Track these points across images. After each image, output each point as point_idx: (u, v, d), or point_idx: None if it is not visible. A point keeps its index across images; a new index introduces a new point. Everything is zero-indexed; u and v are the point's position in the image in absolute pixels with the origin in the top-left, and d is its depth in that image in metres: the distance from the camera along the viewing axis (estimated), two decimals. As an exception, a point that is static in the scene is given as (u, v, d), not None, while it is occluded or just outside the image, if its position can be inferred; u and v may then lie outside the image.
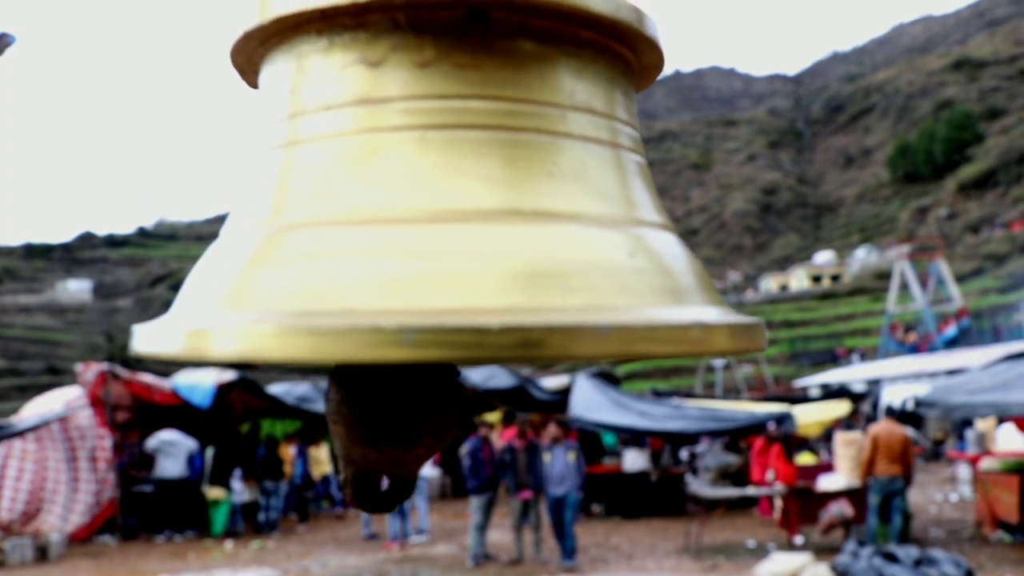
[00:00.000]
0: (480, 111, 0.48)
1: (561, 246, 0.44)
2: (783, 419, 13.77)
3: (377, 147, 0.47)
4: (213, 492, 13.34)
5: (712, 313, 0.47)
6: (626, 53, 0.54)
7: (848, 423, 16.16)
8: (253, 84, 0.59)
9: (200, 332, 0.46)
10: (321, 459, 16.01)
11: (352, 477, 0.60)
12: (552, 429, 10.25)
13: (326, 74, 0.50)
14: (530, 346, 0.40)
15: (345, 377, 0.58)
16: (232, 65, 0.58)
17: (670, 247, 0.49)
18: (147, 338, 0.52)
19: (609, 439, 16.90)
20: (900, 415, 11.94)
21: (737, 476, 13.37)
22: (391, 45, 0.48)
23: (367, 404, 0.58)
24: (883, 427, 9.65)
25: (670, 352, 0.43)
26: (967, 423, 15.30)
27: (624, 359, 0.43)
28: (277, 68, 0.53)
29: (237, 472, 13.75)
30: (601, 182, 0.49)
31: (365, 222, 0.45)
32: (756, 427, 13.08)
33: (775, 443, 12.28)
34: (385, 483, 0.61)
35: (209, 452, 13.68)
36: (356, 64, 0.49)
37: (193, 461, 13.56)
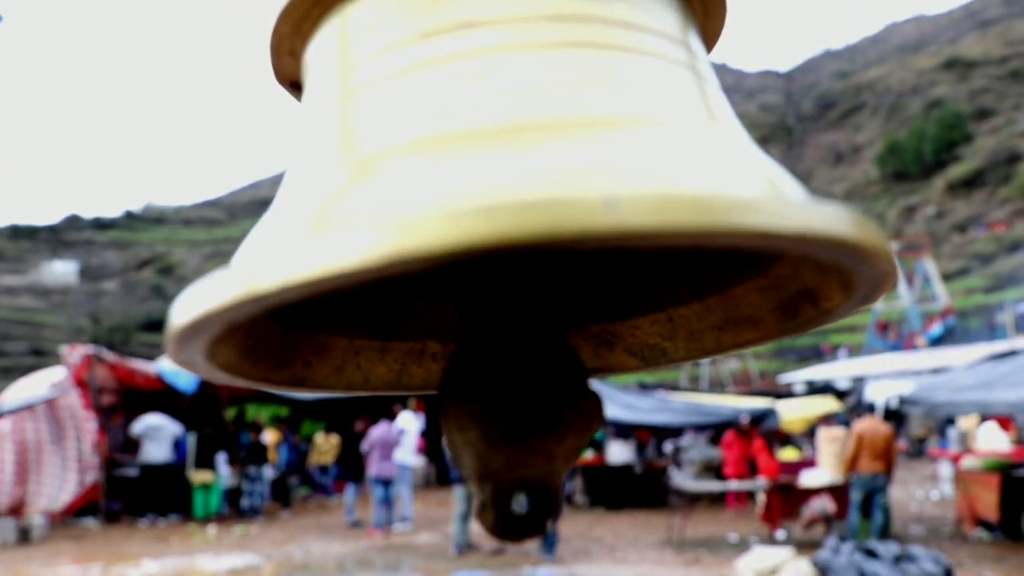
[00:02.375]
0: (596, 32, 0.47)
1: (712, 150, 0.43)
2: (766, 414, 13.85)
3: (495, 65, 0.45)
4: (200, 476, 13.33)
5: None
6: (698, 6, 0.54)
7: (845, 419, 16.23)
8: (287, 67, 0.55)
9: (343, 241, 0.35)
10: (325, 449, 16.06)
11: (493, 496, 0.50)
12: None
13: (420, 4, 0.48)
14: (746, 210, 0.35)
15: (473, 375, 0.52)
16: (273, 37, 0.53)
17: (777, 165, 0.48)
18: (207, 294, 0.39)
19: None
20: (884, 414, 12.01)
21: (720, 470, 13.45)
22: None
23: (507, 390, 0.50)
24: (867, 424, 9.71)
25: (865, 243, 0.40)
26: (950, 421, 15.40)
27: (820, 248, 0.38)
28: (339, 21, 0.50)
29: (222, 456, 13.74)
30: (709, 103, 0.49)
31: (501, 131, 0.41)
32: (735, 423, 13.17)
33: (755, 437, 12.36)
34: (524, 503, 0.51)
35: (191, 438, 13.65)
36: None
37: (179, 445, 13.53)
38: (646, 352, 0.64)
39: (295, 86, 0.55)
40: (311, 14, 0.51)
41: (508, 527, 0.50)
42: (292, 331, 0.57)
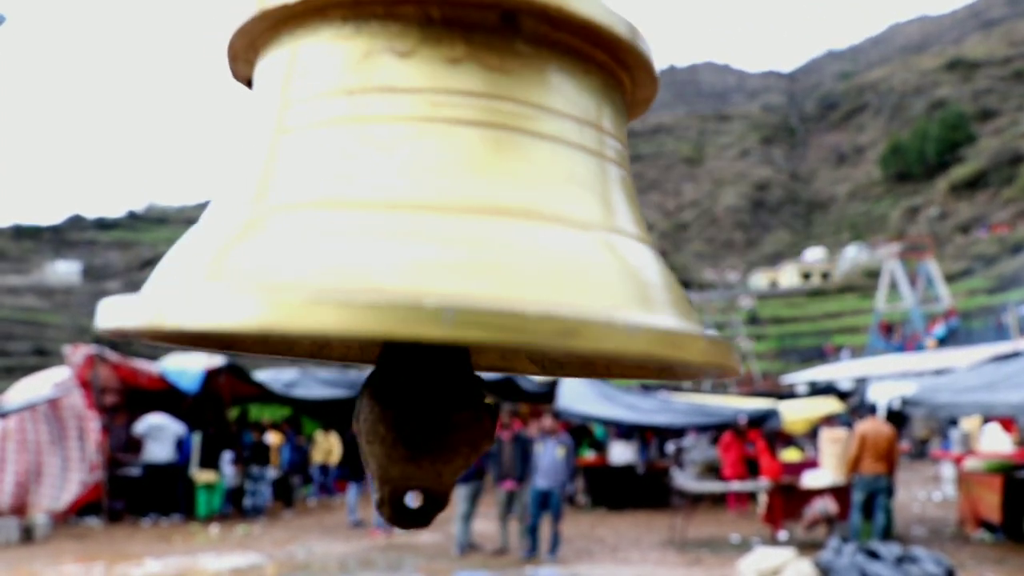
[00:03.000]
0: (506, 112, 0.49)
1: (581, 249, 0.46)
2: (768, 415, 13.83)
3: (403, 135, 0.47)
4: (204, 476, 13.35)
5: (700, 328, 0.50)
6: (627, 80, 0.57)
7: (847, 420, 16.20)
8: (242, 71, 0.58)
9: (212, 299, 0.42)
10: (323, 448, 16.03)
11: (389, 495, 0.60)
12: (546, 422, 10.27)
13: (348, 60, 0.50)
14: (567, 335, 0.40)
15: (381, 394, 0.59)
16: (229, 48, 0.56)
17: (654, 260, 0.51)
18: (114, 312, 0.48)
19: (599, 431, 16.94)
20: (887, 415, 11.98)
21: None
22: (421, 38, 0.49)
23: (406, 420, 0.58)
24: (870, 425, 9.70)
25: (684, 360, 0.45)
26: (952, 422, 15.38)
27: (639, 361, 0.44)
28: (287, 52, 0.53)
29: (228, 456, 13.76)
30: (606, 193, 0.51)
31: (390, 206, 0.45)
32: (733, 424, 13.16)
33: (755, 438, 12.34)
34: (415, 500, 0.61)
35: (196, 437, 13.66)
36: (383, 53, 0.49)
37: (182, 445, 13.54)
38: (546, 363, 0.71)
39: (250, 83, 0.59)
40: (264, 37, 0.54)
41: (402, 519, 0.60)
42: None
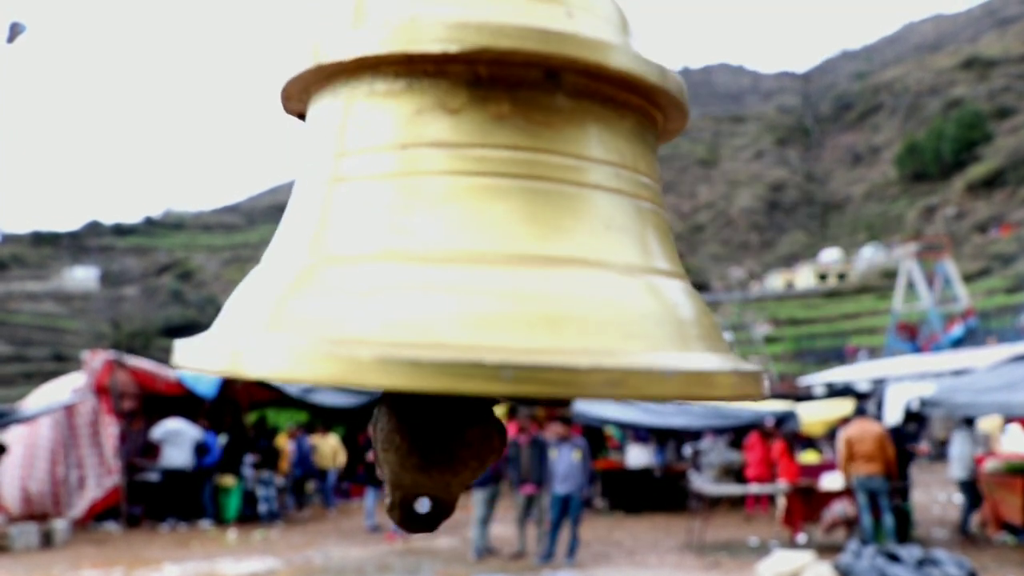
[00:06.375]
0: (550, 165, 0.52)
1: (624, 295, 0.49)
2: (787, 417, 13.76)
3: (455, 189, 0.50)
4: (224, 479, 13.41)
5: (731, 361, 0.53)
6: (659, 117, 0.60)
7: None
8: (294, 108, 0.61)
9: (289, 350, 0.46)
10: (325, 452, 15.98)
11: (400, 501, 0.64)
12: (557, 428, 10.22)
13: (402, 115, 0.52)
14: (613, 385, 0.44)
15: (398, 407, 0.62)
16: (283, 91, 0.59)
17: (689, 296, 0.54)
18: (192, 353, 0.52)
19: (617, 433, 16.91)
20: (905, 416, 11.89)
21: (740, 473, 13.38)
22: (470, 96, 0.52)
23: (420, 433, 0.62)
24: (855, 428, 9.62)
25: (716, 396, 0.49)
26: (971, 423, 15.24)
27: (675, 399, 0.47)
28: (341, 102, 0.55)
29: (248, 459, 13.80)
30: (643, 234, 0.54)
31: (444, 260, 0.48)
32: (760, 425, 13.09)
33: (777, 440, 12.27)
34: (424, 506, 0.66)
35: (222, 439, 13.70)
36: (434, 109, 0.52)
37: (207, 449, 13.58)
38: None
39: (301, 116, 0.63)
40: (318, 85, 0.57)
41: (410, 523, 0.64)
42: None
